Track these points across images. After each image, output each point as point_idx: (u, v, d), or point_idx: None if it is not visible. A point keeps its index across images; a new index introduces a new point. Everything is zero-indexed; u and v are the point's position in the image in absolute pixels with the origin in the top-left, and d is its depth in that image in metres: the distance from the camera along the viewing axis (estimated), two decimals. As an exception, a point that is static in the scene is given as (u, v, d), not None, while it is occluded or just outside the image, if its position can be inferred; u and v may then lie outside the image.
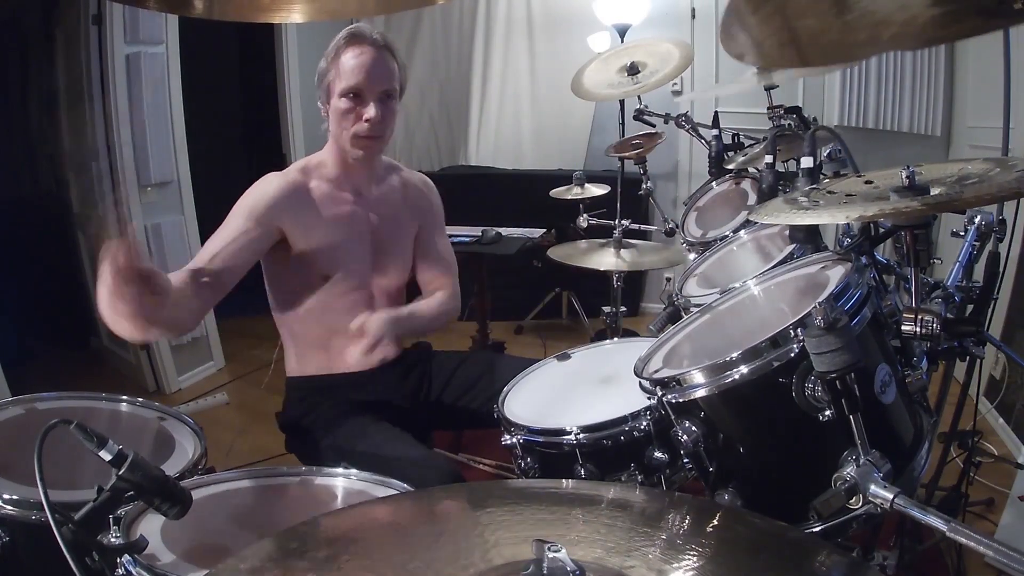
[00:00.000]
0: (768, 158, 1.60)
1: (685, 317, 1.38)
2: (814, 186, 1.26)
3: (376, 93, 1.54)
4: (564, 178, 2.95)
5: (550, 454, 1.33)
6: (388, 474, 1.21)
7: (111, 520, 0.91)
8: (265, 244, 1.56)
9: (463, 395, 1.77)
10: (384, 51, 1.56)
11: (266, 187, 1.59)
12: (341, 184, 1.66)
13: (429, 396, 1.78)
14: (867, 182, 1.14)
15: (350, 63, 1.53)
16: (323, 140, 1.71)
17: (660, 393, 1.07)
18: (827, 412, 0.92)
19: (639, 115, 2.82)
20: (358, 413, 1.61)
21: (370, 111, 1.54)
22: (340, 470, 1.23)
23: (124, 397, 1.50)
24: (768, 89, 2.21)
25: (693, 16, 4.26)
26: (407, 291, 1.84)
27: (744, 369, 0.97)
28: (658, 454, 1.26)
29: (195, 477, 1.20)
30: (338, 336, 1.64)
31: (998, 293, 1.29)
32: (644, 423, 1.26)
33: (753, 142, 2.48)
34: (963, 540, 0.76)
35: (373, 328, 1.45)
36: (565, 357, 1.67)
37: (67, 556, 0.82)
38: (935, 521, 0.79)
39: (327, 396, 1.65)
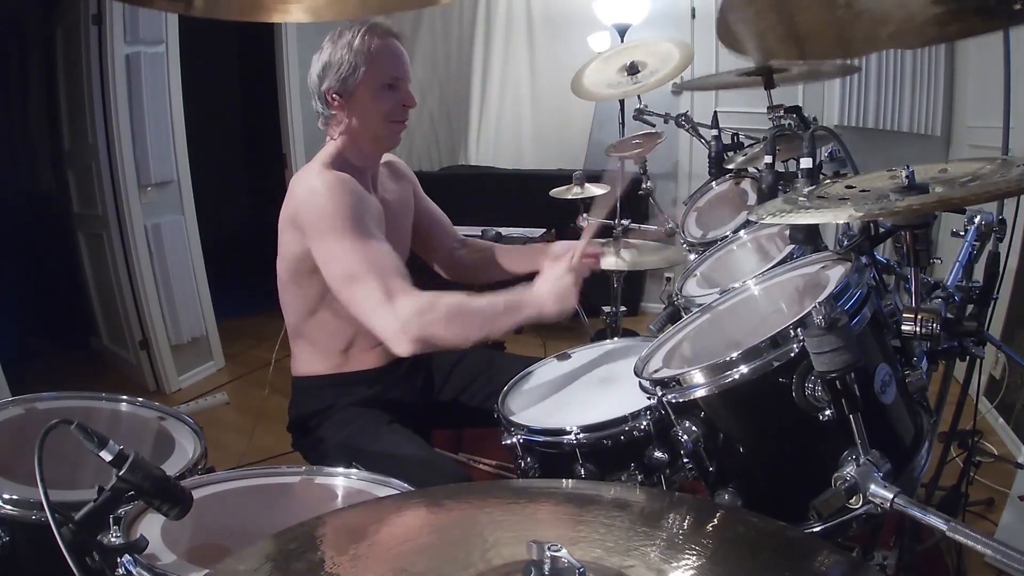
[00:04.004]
0: (768, 158, 1.59)
1: (685, 317, 1.38)
2: (811, 187, 1.26)
3: (408, 80, 1.61)
4: (564, 178, 2.95)
5: (550, 454, 1.33)
6: (397, 475, 1.21)
7: (111, 520, 0.91)
8: None
9: (462, 392, 1.77)
10: (400, 40, 1.61)
11: (353, 188, 1.52)
12: (362, 179, 1.64)
13: (432, 393, 1.78)
14: (862, 190, 1.14)
15: (386, 54, 1.55)
16: (323, 139, 1.70)
17: (660, 393, 1.07)
18: (827, 412, 0.92)
19: (639, 115, 2.82)
20: (368, 412, 1.61)
21: (410, 97, 1.61)
22: (340, 470, 1.23)
23: (124, 397, 1.50)
24: (768, 89, 2.21)
25: (693, 16, 4.26)
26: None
27: (744, 369, 0.97)
28: (658, 454, 1.26)
29: (195, 477, 1.20)
30: (356, 334, 1.63)
31: (998, 293, 1.28)
32: (644, 423, 1.26)
33: (753, 142, 2.48)
34: (963, 540, 0.76)
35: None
36: (565, 357, 1.67)
37: (67, 556, 0.82)
38: (935, 521, 0.79)
39: (337, 395, 1.64)
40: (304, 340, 1.69)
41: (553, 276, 1.49)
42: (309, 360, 1.69)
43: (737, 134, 2.62)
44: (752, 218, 1.29)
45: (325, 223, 1.45)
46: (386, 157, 1.83)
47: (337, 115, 1.59)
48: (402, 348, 1.39)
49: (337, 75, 1.54)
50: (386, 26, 1.59)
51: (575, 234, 2.85)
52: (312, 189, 1.49)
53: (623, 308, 2.84)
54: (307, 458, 1.67)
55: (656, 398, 1.09)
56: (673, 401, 1.05)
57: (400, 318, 1.37)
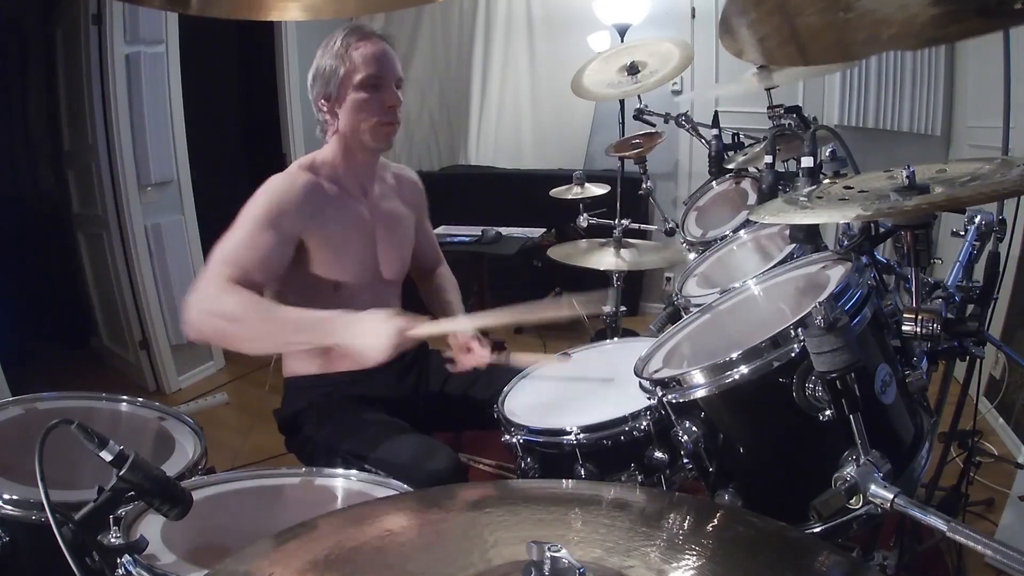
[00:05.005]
0: (768, 158, 1.59)
1: (685, 317, 1.38)
2: (812, 187, 1.26)
3: (393, 81, 1.60)
4: (564, 178, 2.95)
5: (550, 454, 1.33)
6: (384, 457, 1.20)
7: (111, 520, 0.91)
8: (289, 255, 1.53)
9: (462, 393, 1.77)
10: (388, 44, 1.62)
11: (287, 194, 1.53)
12: (348, 184, 1.65)
13: (427, 394, 1.78)
14: (861, 190, 1.14)
15: (366, 55, 1.56)
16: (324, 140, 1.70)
17: (660, 393, 1.07)
18: (827, 412, 0.92)
19: (639, 115, 2.82)
20: (354, 407, 1.62)
21: (393, 97, 1.59)
22: (340, 471, 1.23)
23: (124, 397, 1.50)
24: (768, 89, 2.21)
25: (693, 16, 4.26)
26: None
27: (744, 369, 0.97)
28: (658, 454, 1.26)
29: (195, 477, 1.20)
30: None
31: (998, 293, 1.28)
32: (644, 423, 1.26)
33: (753, 142, 2.48)
34: (963, 540, 0.76)
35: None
36: (565, 357, 1.67)
37: (67, 556, 0.82)
38: (935, 521, 0.79)
39: (324, 393, 1.66)
40: None
41: (380, 317, 1.37)
42: (295, 360, 1.71)
43: (737, 134, 2.62)
44: (752, 218, 1.29)
45: (243, 212, 1.51)
46: (398, 169, 1.86)
47: (329, 120, 1.62)
48: (185, 328, 1.38)
49: (323, 80, 1.58)
50: (368, 28, 1.60)
51: (575, 234, 2.86)
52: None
53: (623, 308, 2.84)
54: (300, 457, 1.68)
55: (656, 398, 1.09)
56: (673, 401, 1.05)
57: (192, 296, 1.38)
